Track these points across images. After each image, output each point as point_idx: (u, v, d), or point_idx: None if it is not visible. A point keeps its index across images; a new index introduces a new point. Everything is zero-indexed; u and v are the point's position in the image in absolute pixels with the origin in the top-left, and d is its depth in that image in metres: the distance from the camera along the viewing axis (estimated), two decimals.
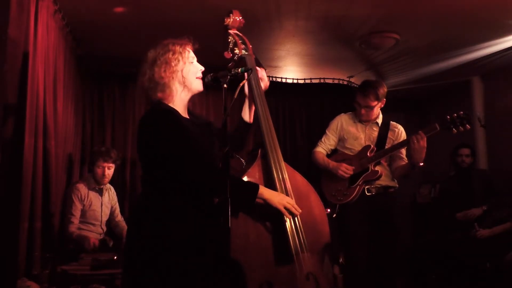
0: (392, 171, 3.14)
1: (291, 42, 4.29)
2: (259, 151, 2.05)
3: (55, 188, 3.20)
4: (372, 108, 3.09)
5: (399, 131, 3.18)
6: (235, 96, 1.73)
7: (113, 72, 4.56)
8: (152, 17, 3.58)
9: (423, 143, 2.78)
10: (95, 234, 3.61)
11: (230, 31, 2.19)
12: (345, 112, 3.32)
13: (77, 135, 4.29)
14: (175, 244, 1.67)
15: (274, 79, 5.32)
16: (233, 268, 1.82)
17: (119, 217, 3.92)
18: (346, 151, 3.19)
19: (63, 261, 3.02)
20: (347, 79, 5.51)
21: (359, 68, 5.06)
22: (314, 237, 2.00)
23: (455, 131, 2.77)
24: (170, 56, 1.82)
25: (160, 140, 1.71)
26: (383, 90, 3.09)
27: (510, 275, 3.47)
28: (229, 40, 2.17)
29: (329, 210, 3.37)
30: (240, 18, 2.19)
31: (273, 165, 1.98)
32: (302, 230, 1.95)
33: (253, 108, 2.09)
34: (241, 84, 1.90)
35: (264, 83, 2.13)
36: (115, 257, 2.91)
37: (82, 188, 3.65)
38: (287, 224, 1.92)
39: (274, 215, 1.90)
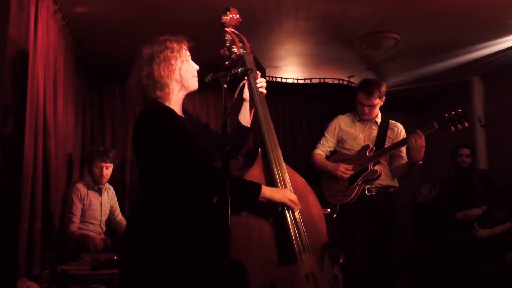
0: (392, 170, 3.13)
1: (291, 42, 4.29)
2: (259, 150, 2.04)
3: (55, 188, 3.20)
4: (375, 106, 3.10)
5: (399, 130, 3.18)
6: (235, 96, 1.72)
7: (113, 72, 4.56)
8: (152, 17, 3.58)
9: (421, 142, 2.77)
10: (94, 233, 3.61)
11: (227, 29, 2.14)
12: (345, 113, 3.33)
13: (77, 135, 4.29)
14: (174, 244, 1.65)
15: (274, 79, 5.32)
16: (234, 269, 1.81)
17: (120, 217, 3.92)
18: (345, 152, 3.19)
19: (63, 261, 3.02)
20: (347, 79, 5.51)
21: (359, 68, 5.06)
22: (313, 237, 2.00)
23: (454, 129, 2.77)
24: (169, 54, 1.78)
25: (160, 140, 1.68)
26: (384, 88, 3.10)
27: (510, 275, 3.48)
28: (226, 38, 2.13)
29: (329, 210, 3.37)
30: (237, 16, 2.14)
31: (274, 165, 1.98)
32: (304, 229, 1.95)
33: (252, 111, 2.07)
34: (241, 84, 1.88)
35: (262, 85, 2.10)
36: (115, 257, 2.91)
37: (81, 187, 3.65)
38: (289, 223, 1.92)
39: (276, 215, 1.90)
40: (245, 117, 2.06)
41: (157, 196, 1.70)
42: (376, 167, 3.03)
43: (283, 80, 5.41)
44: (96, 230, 3.67)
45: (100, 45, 4.21)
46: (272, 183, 1.95)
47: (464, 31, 3.98)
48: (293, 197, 1.90)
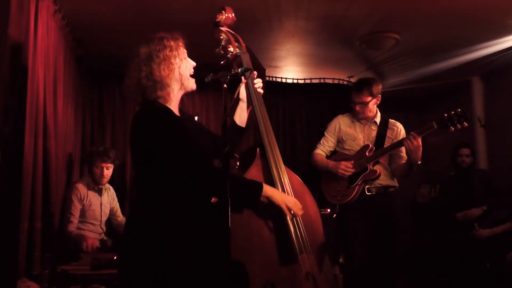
0: (392, 170, 3.14)
1: (291, 42, 4.29)
2: (258, 150, 2.04)
3: (55, 188, 3.20)
4: (366, 104, 3.09)
5: (398, 129, 3.18)
6: (235, 96, 1.71)
7: (113, 72, 4.55)
8: (152, 17, 3.58)
9: (417, 143, 2.77)
10: (94, 234, 3.61)
11: (222, 28, 2.11)
12: (344, 113, 3.33)
13: (77, 135, 4.29)
14: (174, 244, 1.64)
15: (274, 79, 5.32)
16: (235, 269, 1.80)
17: (121, 217, 3.92)
18: (345, 152, 3.19)
19: (63, 261, 3.01)
20: (347, 79, 5.51)
21: (359, 68, 5.06)
22: (311, 236, 2.00)
23: (453, 129, 2.76)
24: (168, 52, 1.74)
25: (160, 140, 1.66)
26: (377, 86, 3.11)
27: (510, 275, 3.48)
28: (221, 37, 2.10)
29: (329, 210, 3.37)
30: (233, 15, 2.10)
31: (272, 165, 1.98)
32: (303, 229, 1.95)
33: (248, 111, 2.04)
34: (241, 85, 1.87)
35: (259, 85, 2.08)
36: (115, 257, 2.90)
37: (81, 188, 3.65)
38: (290, 223, 1.92)
39: (276, 215, 1.90)
40: (241, 117, 2.04)
41: (157, 196, 1.69)
42: (376, 167, 3.03)
43: (283, 80, 5.41)
44: (96, 230, 3.67)
45: (100, 45, 4.21)
46: (270, 183, 1.94)
47: (464, 31, 3.98)
48: (291, 203, 1.88)
